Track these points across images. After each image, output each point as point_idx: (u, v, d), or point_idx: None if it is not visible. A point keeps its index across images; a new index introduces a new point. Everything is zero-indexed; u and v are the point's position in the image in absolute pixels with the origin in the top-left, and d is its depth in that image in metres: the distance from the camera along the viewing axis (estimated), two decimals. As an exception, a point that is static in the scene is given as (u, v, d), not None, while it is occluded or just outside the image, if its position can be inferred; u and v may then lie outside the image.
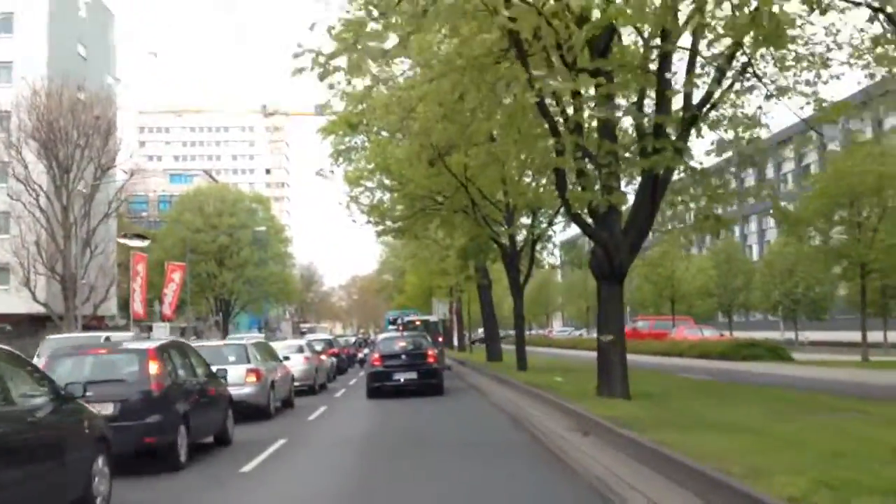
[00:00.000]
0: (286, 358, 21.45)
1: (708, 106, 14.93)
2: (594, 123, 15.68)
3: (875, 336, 50.12)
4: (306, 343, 26.87)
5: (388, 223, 28.28)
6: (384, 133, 24.98)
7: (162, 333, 56.81)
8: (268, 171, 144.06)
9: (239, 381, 17.58)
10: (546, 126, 14.77)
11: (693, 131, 14.93)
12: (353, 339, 62.69)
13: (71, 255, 47.42)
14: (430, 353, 23.97)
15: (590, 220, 15.98)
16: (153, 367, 11.30)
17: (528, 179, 25.87)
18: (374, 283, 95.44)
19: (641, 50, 14.66)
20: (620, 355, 15.89)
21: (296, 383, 23.39)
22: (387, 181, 25.97)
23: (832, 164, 28.49)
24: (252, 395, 17.66)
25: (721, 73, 14.59)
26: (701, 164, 16.26)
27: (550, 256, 30.38)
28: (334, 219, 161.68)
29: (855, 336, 49.29)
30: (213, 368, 16.48)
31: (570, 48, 13.71)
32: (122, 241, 58.77)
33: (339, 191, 29.48)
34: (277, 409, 19.54)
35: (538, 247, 27.39)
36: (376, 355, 24.14)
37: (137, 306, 55.70)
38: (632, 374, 24.13)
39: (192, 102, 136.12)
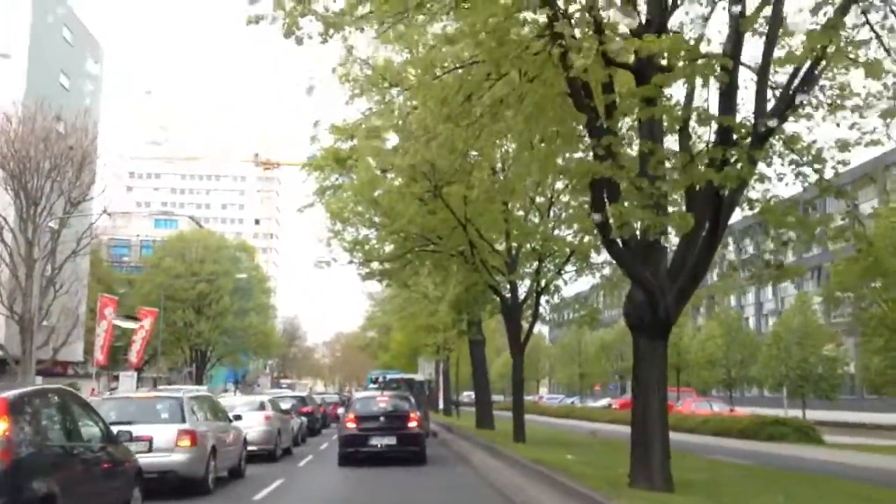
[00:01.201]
0: (237, 417, 17.39)
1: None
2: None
3: (882, 418, 46.45)
4: (269, 399, 22.83)
5: (374, 265, 24.44)
6: (372, 163, 21.39)
7: (129, 383, 52.49)
8: (257, 222, 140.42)
9: (167, 444, 13.63)
10: (579, 125, 11.12)
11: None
12: (335, 397, 58.35)
13: (32, 294, 43.30)
14: (412, 415, 20.24)
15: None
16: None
17: (535, 219, 22.27)
18: (358, 340, 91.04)
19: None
20: (662, 434, 12.08)
21: (252, 448, 19.43)
22: (375, 218, 22.21)
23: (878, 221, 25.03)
24: (183, 463, 13.66)
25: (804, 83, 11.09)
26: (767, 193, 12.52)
27: (550, 315, 26.39)
28: (321, 273, 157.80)
29: (863, 417, 45.63)
30: (130, 429, 12.68)
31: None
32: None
33: (322, 227, 25.53)
34: (220, 482, 15.50)
35: (544, 299, 23.60)
36: (351, 416, 20.25)
37: (97, 353, 51.38)
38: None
39: (183, 150, 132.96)
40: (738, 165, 10.48)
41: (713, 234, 11.48)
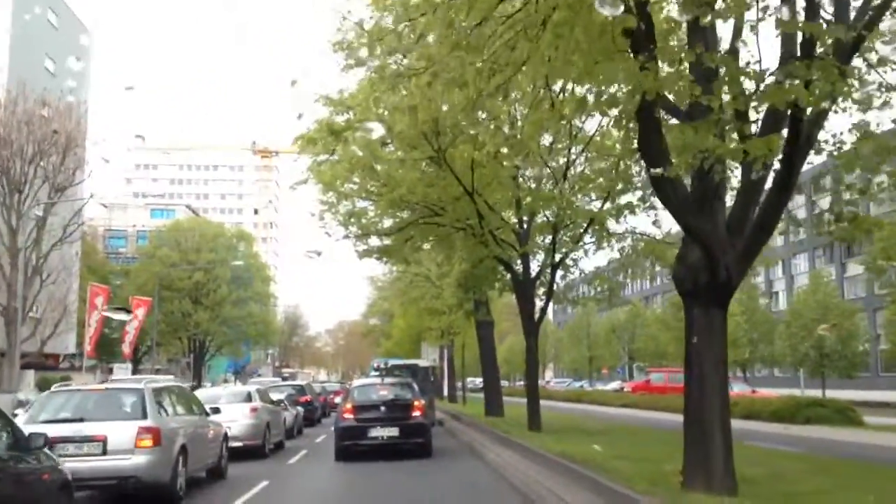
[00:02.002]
0: (216, 410, 15.05)
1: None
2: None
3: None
4: (256, 390, 20.47)
5: (372, 241, 22.05)
6: (370, 126, 19.00)
7: (123, 375, 50.33)
8: (256, 211, 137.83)
9: (125, 445, 11.36)
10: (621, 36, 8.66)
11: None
12: (336, 386, 56.02)
13: (17, 284, 41.03)
14: (416, 404, 18.05)
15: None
16: None
17: (549, 187, 19.87)
18: (360, 328, 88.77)
19: None
20: (723, 424, 9.78)
21: (236, 444, 17.20)
22: (372, 188, 19.74)
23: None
24: (145, 467, 11.37)
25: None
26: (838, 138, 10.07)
27: (565, 292, 23.80)
28: (323, 261, 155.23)
29: (879, 396, 43.34)
30: (81, 427, 10.50)
31: None
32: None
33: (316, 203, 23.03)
34: (195, 484, 13.26)
35: (559, 275, 21.18)
36: (348, 405, 18.02)
37: (87, 344, 49.12)
38: (681, 439, 17.95)
39: (180, 139, 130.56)
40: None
41: (787, 175, 9.08)
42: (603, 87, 8.92)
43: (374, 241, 22.24)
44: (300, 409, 28.87)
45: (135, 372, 74.53)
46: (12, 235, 41.22)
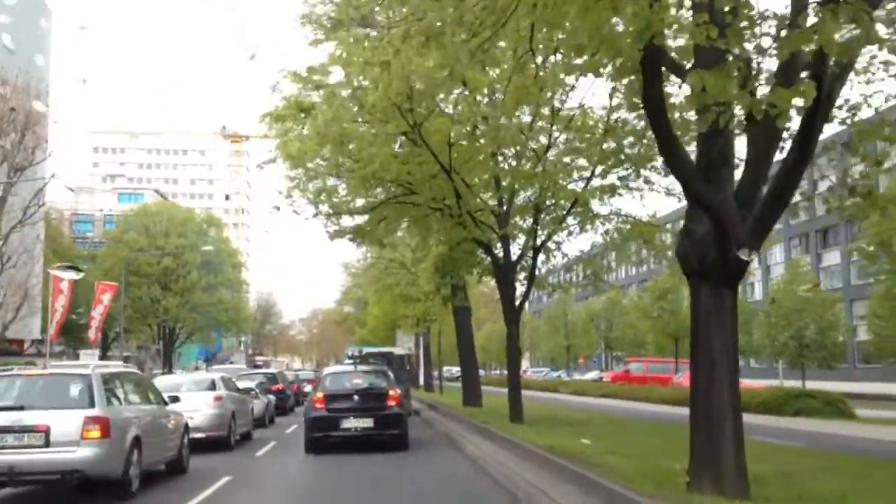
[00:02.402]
0: (174, 399, 13.94)
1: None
2: None
3: (880, 388, 43.92)
4: (221, 377, 19.19)
5: (345, 222, 20.96)
6: (343, 95, 17.91)
7: (90, 361, 48.76)
8: (227, 197, 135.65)
9: (69, 436, 10.31)
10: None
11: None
12: (310, 374, 54.75)
13: (-24, 267, 39.61)
14: (391, 393, 17.05)
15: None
16: None
17: (530, 165, 18.86)
18: (334, 316, 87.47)
19: None
20: (734, 418, 8.87)
21: (198, 435, 16.21)
22: (342, 163, 18.59)
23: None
24: (92, 460, 10.33)
25: None
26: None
27: (547, 277, 22.80)
28: (296, 248, 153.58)
29: (856, 388, 43.01)
30: (21, 416, 9.52)
31: None
32: (53, 272, 50.60)
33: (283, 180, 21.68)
34: (153, 479, 12.20)
35: (541, 259, 20.21)
36: (319, 395, 16.98)
37: (55, 329, 47.52)
38: (671, 432, 17.11)
39: (149, 123, 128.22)
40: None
41: (807, 137, 8.14)
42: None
43: (347, 222, 21.21)
44: (271, 397, 27.93)
45: (103, 358, 73.04)
46: (-30, 217, 39.78)
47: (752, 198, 8.93)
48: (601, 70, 9.00)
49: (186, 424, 14.28)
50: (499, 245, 20.53)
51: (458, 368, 77.86)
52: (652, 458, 11.39)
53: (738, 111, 7.83)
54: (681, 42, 8.49)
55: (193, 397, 16.95)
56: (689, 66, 8.71)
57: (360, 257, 49.31)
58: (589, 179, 19.10)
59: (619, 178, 18.54)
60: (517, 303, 20.52)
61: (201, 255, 68.53)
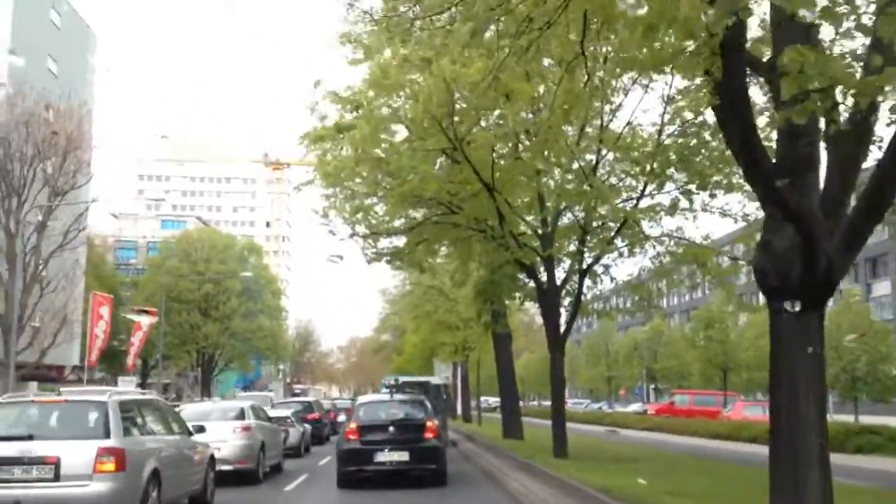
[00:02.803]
0: (200, 429, 13.01)
1: None
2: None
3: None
4: (249, 406, 18.22)
5: (382, 244, 20.04)
6: (383, 111, 17.11)
7: (128, 388, 48.42)
8: (268, 224, 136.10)
9: (81, 469, 9.46)
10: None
11: None
12: (347, 402, 53.93)
13: (15, 292, 39.32)
14: (429, 424, 15.98)
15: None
16: None
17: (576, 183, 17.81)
18: (371, 344, 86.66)
19: None
20: (822, 462, 7.69)
21: (225, 467, 15.27)
22: (380, 181, 17.74)
23: None
24: (106, 496, 9.45)
25: None
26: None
27: (593, 304, 21.55)
28: (336, 276, 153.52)
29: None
30: (30, 447, 8.71)
31: None
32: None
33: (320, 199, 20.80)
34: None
35: (587, 284, 19.10)
36: (353, 426, 15.96)
37: (95, 355, 47.27)
38: (730, 470, 15.84)
39: (193, 152, 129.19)
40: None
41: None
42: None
43: (385, 244, 20.30)
44: (307, 426, 27.36)
45: (142, 385, 72.87)
46: (10, 240, 39.55)
47: (837, 209, 7.84)
48: (662, 69, 8.05)
49: (212, 456, 13.37)
50: (542, 269, 19.45)
51: (495, 399, 76.85)
52: (717, 502, 10.19)
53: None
54: (757, 33, 7.50)
55: (221, 427, 16.11)
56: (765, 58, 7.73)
57: (397, 283, 48.43)
58: (639, 198, 18.02)
59: (678, 194, 17.43)
60: (562, 330, 19.40)
61: (241, 282, 68.27)
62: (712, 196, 17.11)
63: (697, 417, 35.28)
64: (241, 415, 17.32)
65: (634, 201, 17.92)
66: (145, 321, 51.37)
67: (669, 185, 18.18)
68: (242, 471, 16.23)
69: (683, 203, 17.95)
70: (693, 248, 17.69)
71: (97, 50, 58.05)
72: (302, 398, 49.01)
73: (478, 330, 33.67)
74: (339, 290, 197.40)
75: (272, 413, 25.21)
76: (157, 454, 10.66)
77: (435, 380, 36.89)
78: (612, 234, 18.04)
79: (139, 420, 10.91)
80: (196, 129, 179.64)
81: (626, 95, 17.80)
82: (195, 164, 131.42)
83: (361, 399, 18.18)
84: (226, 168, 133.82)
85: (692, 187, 17.38)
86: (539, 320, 67.68)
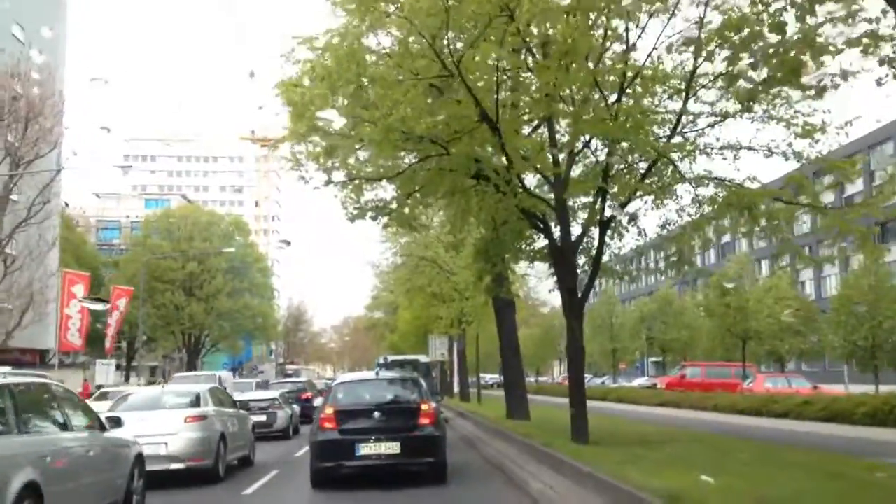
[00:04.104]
0: (115, 422, 9.69)
1: None
2: None
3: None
4: (208, 391, 14.87)
5: (367, 198, 16.57)
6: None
7: (106, 373, 44.96)
8: (256, 204, 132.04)
9: None
10: None
11: None
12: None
13: (-25, 270, 36.01)
14: (423, 408, 12.70)
15: None
16: None
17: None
18: (364, 322, 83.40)
19: None
20: None
21: (177, 465, 12.84)
22: (360, 112, 14.22)
23: None
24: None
25: None
26: None
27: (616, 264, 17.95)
28: (329, 256, 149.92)
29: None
30: None
31: None
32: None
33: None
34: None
35: (608, 234, 15.73)
36: (328, 411, 12.62)
37: (73, 337, 43.97)
38: (820, 460, 12.58)
39: (179, 130, 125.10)
40: None
41: None
42: None
43: (370, 196, 16.86)
44: (296, 407, 25.91)
45: (129, 369, 69.52)
46: (-31, 215, 36.20)
47: None
48: None
49: (139, 456, 10.05)
50: (555, 223, 16.09)
51: (492, 376, 73.69)
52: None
53: None
54: None
55: (168, 416, 13.27)
56: None
57: (388, 255, 45.12)
58: (673, 130, 14.66)
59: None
60: (580, 293, 16.09)
61: (226, 260, 64.97)
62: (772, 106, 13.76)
63: (716, 391, 32.10)
64: (196, 401, 14.08)
65: (671, 130, 14.54)
66: (121, 303, 47.93)
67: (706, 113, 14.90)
68: (197, 469, 13.10)
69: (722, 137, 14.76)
70: (741, 190, 14.37)
71: (67, 17, 54.25)
72: (294, 379, 46.74)
73: (476, 300, 30.45)
74: (332, 270, 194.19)
75: (262, 395, 24.05)
76: (37, 460, 7.34)
77: (422, 358, 33.94)
78: (643, 172, 14.65)
79: (23, 412, 7.59)
80: (180, 109, 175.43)
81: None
82: (182, 144, 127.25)
83: (340, 377, 14.80)
84: (213, 147, 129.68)
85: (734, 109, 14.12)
86: (537, 293, 64.36)
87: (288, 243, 31.57)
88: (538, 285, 44.94)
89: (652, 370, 75.71)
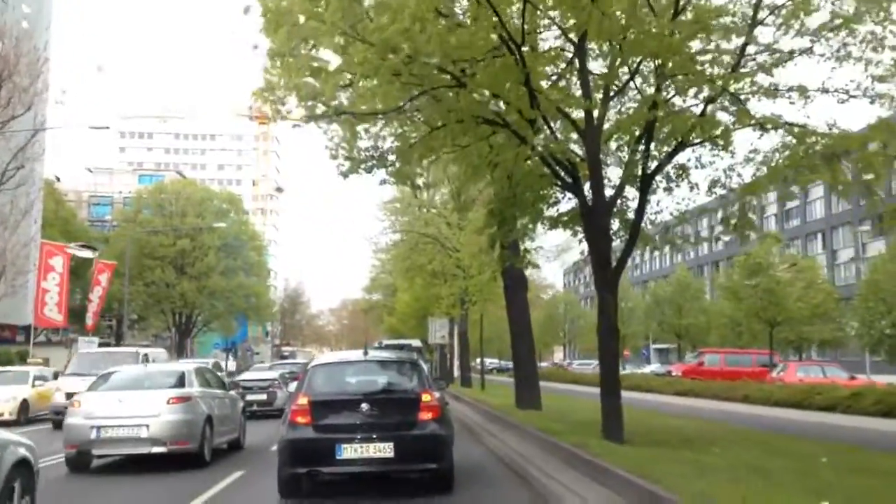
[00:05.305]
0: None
1: None
2: None
3: None
4: (193, 370, 13.71)
5: (360, 147, 13.67)
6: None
7: (89, 350, 42.20)
8: (254, 183, 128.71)
9: None
10: None
11: None
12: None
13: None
14: (425, 399, 9.66)
15: None
16: None
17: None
18: (361, 304, 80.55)
19: None
20: None
21: (157, 449, 12.06)
22: (352, 25, 11.23)
23: None
24: None
25: None
26: None
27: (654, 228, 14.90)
28: (327, 237, 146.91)
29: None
30: None
31: None
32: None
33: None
34: None
35: (652, 188, 12.79)
36: (302, 401, 9.65)
37: (51, 312, 41.12)
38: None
39: (177, 107, 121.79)
40: None
41: None
42: None
43: (365, 144, 13.94)
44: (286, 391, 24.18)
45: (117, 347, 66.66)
46: (-63, 180, 33.24)
47: None
48: None
49: (23, 461, 7.17)
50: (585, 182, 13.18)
51: (492, 360, 70.82)
52: None
53: None
54: None
55: (150, 397, 12.48)
56: None
57: (387, 234, 42.24)
58: (738, 62, 11.77)
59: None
60: (614, 262, 13.25)
61: (219, 237, 62.06)
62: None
63: (738, 379, 29.27)
64: (181, 381, 13.07)
65: (735, 60, 11.65)
66: (103, 278, 45.05)
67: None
68: (179, 453, 12.21)
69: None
70: (826, 136, 11.49)
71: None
72: (291, 360, 44.80)
73: (481, 278, 27.61)
74: (330, 253, 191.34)
75: (263, 376, 25.06)
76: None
77: (415, 342, 31.39)
78: (702, 111, 11.74)
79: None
80: (179, 84, 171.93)
81: None
82: (179, 121, 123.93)
83: (318, 359, 11.80)
84: (211, 124, 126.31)
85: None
86: (540, 276, 61.39)
87: (280, 190, 29.17)
88: (543, 265, 42.23)
89: (655, 357, 72.96)
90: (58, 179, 70.73)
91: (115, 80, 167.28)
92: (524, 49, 11.39)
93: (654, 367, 53.68)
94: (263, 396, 23.26)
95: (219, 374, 18.37)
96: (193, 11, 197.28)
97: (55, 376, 24.88)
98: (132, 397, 12.38)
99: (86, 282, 49.72)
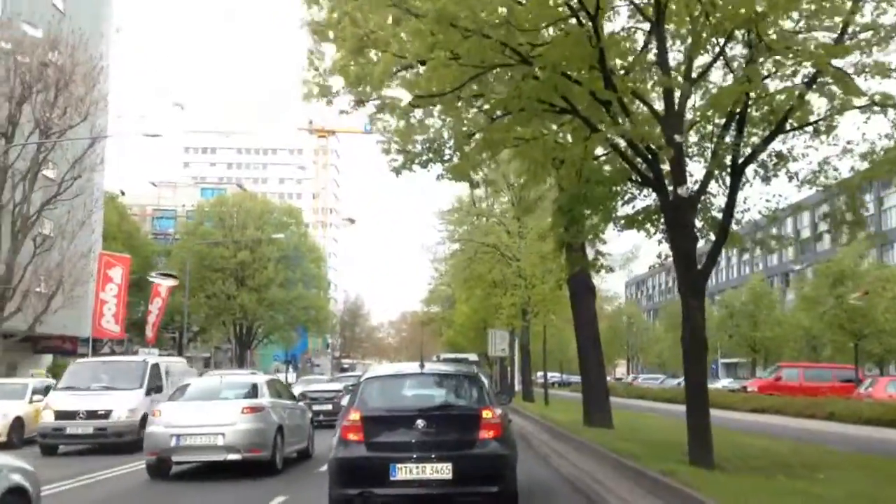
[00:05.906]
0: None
1: None
2: None
3: None
4: (266, 382, 14.46)
5: (415, 140, 12.47)
6: None
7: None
8: (314, 196, 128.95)
9: None
10: None
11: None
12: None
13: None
14: (485, 416, 8.46)
15: None
16: None
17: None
18: (420, 317, 79.57)
19: None
20: None
21: (232, 456, 12.49)
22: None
23: None
24: None
25: None
26: None
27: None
28: (387, 248, 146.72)
29: None
30: None
31: None
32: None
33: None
34: None
35: (745, 179, 11.24)
36: (353, 417, 8.46)
37: (108, 323, 40.92)
38: None
39: (240, 123, 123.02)
40: None
41: None
42: None
43: (418, 137, 12.73)
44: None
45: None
46: (-7, 189, 33.14)
47: None
48: None
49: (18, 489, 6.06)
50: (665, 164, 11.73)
51: (554, 373, 68.99)
52: None
53: None
54: None
55: (225, 407, 13.01)
56: None
57: (445, 244, 41.13)
58: (841, 34, 10.24)
59: None
60: (700, 265, 11.75)
61: (279, 249, 61.81)
62: None
63: (820, 395, 27.19)
64: (254, 392, 13.69)
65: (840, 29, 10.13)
66: (164, 287, 44.90)
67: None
68: (254, 460, 12.70)
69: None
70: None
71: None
72: (351, 373, 44.31)
73: (543, 287, 26.20)
74: (390, 265, 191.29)
75: (328, 387, 26.50)
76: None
77: (471, 356, 30.17)
78: (806, 83, 10.22)
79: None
80: (240, 99, 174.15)
81: None
82: (241, 136, 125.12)
83: (372, 371, 10.51)
84: (272, 139, 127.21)
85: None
86: (603, 287, 59.39)
87: (352, 221, 28.96)
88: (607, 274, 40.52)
89: (723, 372, 70.18)
90: (122, 193, 71.48)
91: (180, 94, 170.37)
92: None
93: (725, 381, 51.19)
94: (329, 407, 24.11)
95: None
96: (254, 25, 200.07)
97: (46, 391, 20.13)
98: (208, 407, 12.92)
99: (148, 293, 49.74)
